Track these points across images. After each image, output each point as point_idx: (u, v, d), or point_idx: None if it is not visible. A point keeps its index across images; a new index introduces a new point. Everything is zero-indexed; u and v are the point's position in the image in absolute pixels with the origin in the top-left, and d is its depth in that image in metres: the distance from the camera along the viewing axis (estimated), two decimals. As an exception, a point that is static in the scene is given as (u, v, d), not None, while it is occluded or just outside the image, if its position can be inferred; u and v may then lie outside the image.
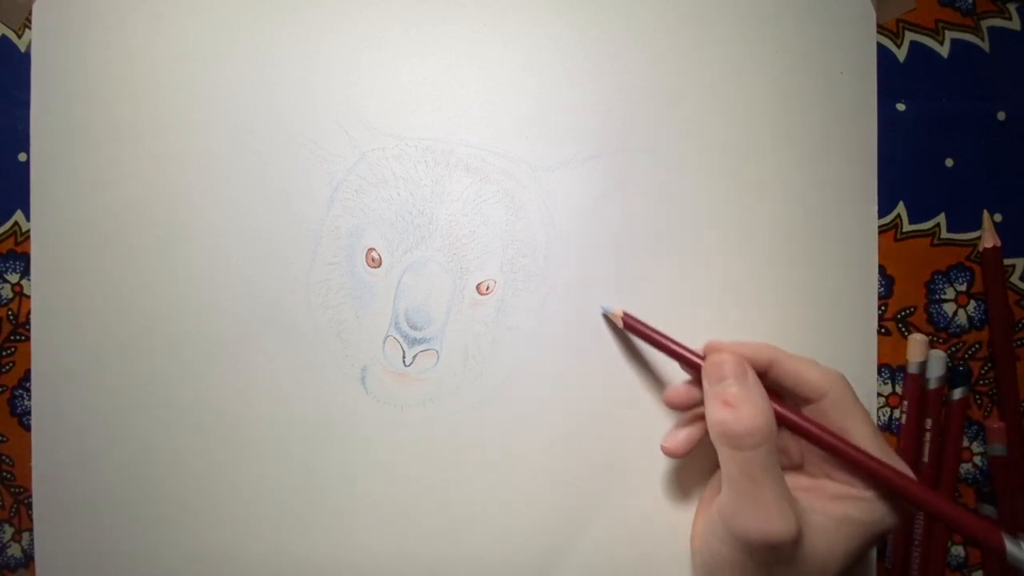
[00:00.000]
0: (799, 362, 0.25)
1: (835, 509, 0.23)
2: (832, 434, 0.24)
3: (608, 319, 0.29)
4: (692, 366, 0.26)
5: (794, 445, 0.26)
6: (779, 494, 0.22)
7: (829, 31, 0.31)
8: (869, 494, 0.23)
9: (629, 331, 0.28)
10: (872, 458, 0.23)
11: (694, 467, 0.30)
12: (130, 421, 0.29)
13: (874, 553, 0.31)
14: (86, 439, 0.29)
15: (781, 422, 0.24)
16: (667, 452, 0.28)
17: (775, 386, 0.25)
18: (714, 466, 0.27)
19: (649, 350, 0.29)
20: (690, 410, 0.28)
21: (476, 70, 0.30)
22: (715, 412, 0.24)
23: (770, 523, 0.22)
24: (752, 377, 0.24)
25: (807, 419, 0.24)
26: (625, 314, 0.28)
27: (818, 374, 0.25)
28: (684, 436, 0.27)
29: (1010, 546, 0.21)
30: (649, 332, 0.28)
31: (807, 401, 0.25)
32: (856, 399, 0.24)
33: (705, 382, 0.25)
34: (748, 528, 0.22)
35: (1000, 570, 0.32)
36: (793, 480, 0.25)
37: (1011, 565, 0.21)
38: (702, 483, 0.29)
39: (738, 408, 0.23)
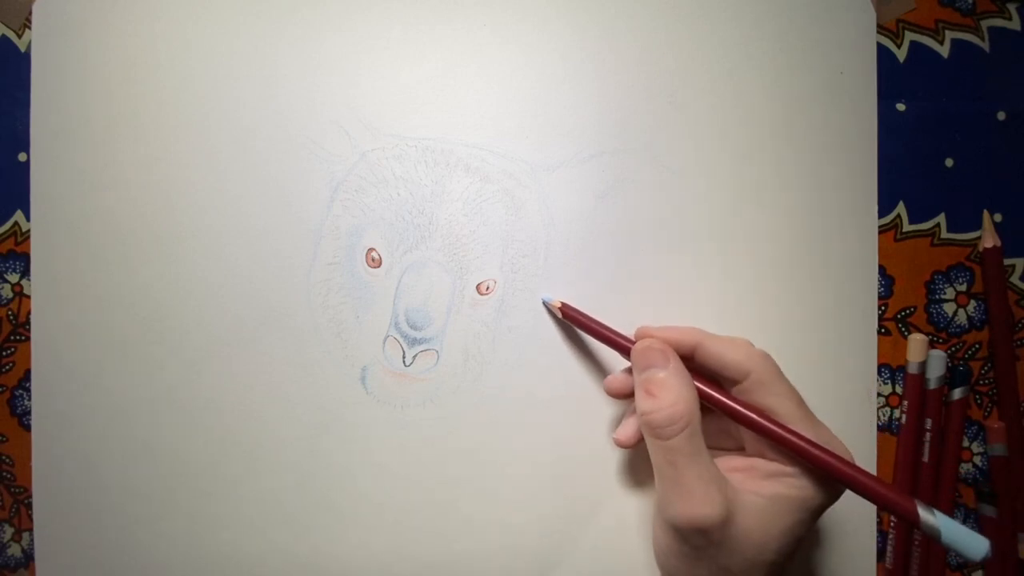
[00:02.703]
0: (722, 343, 0.25)
1: (767, 488, 0.23)
2: (755, 412, 0.24)
3: (549, 309, 0.29)
4: (626, 353, 0.26)
5: (735, 426, 0.26)
6: (704, 478, 0.22)
7: (829, 31, 0.31)
8: (795, 469, 0.23)
9: (568, 320, 0.29)
10: (793, 433, 0.23)
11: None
12: (130, 421, 0.29)
13: (874, 553, 0.31)
14: (86, 439, 0.29)
15: (709, 403, 0.24)
16: (619, 443, 0.27)
17: (702, 369, 0.25)
18: None
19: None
20: (630, 398, 0.27)
21: (476, 70, 0.30)
22: (640, 402, 0.24)
23: (694, 508, 0.22)
24: (675, 364, 0.24)
25: (731, 399, 0.24)
26: (563, 304, 0.29)
27: (740, 354, 0.24)
28: (633, 425, 0.27)
29: (924, 514, 0.21)
30: (585, 320, 0.28)
31: (734, 382, 0.25)
32: (780, 377, 0.24)
33: (633, 370, 0.25)
34: (675, 514, 0.23)
35: (1000, 570, 0.32)
36: (729, 461, 0.25)
37: (926, 534, 0.21)
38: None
39: (659, 397, 0.24)
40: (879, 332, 0.32)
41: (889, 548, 0.32)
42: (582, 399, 0.30)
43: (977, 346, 0.33)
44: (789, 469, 0.23)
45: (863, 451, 0.31)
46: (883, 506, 0.22)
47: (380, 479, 0.30)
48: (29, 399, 0.30)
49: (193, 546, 0.30)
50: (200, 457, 0.30)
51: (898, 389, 0.32)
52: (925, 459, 0.32)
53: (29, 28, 0.30)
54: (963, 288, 0.33)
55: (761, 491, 0.23)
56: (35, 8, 0.30)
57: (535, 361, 0.30)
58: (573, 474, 0.30)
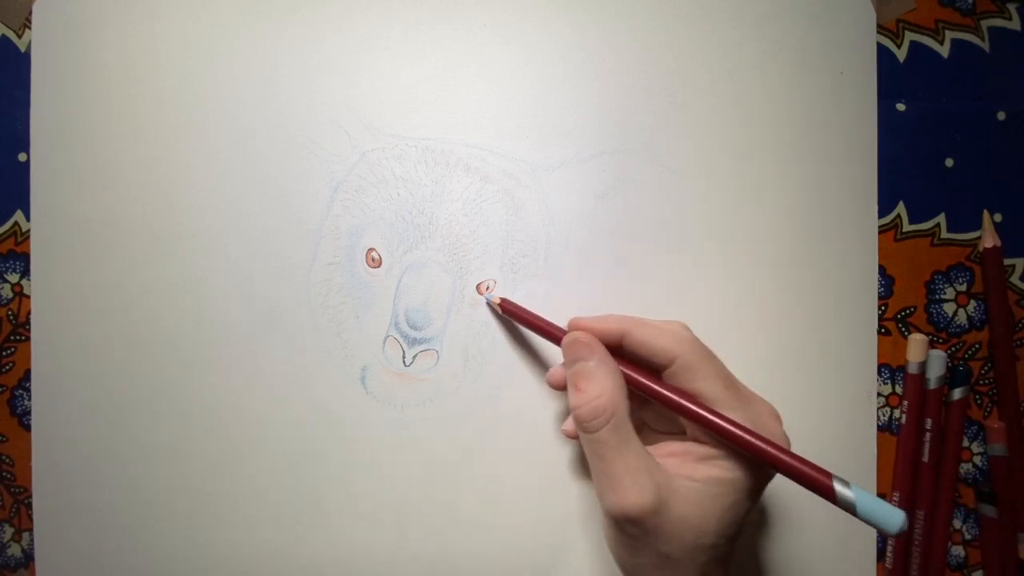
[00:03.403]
0: (647, 330, 0.25)
1: (702, 471, 0.23)
2: (681, 396, 0.24)
3: (491, 307, 0.30)
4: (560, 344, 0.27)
5: None
6: (631, 468, 0.22)
7: (829, 31, 0.31)
8: (722, 451, 0.23)
9: (508, 315, 0.29)
10: (715, 414, 0.23)
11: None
12: (130, 421, 0.29)
13: (874, 553, 0.31)
14: (86, 439, 0.29)
15: (638, 391, 0.24)
16: (567, 435, 0.28)
17: (632, 357, 0.25)
18: None
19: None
20: None
21: (476, 70, 0.30)
22: (569, 396, 0.24)
23: (624, 497, 0.22)
24: (599, 355, 0.24)
25: (660, 384, 0.24)
26: (503, 300, 0.29)
27: (664, 340, 0.24)
28: None
29: (839, 488, 0.21)
30: (523, 314, 0.28)
31: (662, 367, 0.25)
32: (707, 360, 0.24)
33: (564, 364, 0.26)
34: (608, 505, 0.23)
35: (1000, 570, 0.32)
36: (668, 446, 0.25)
37: (842, 507, 0.21)
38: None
39: (584, 391, 0.24)
40: (879, 332, 0.32)
41: (889, 548, 0.32)
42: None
43: (977, 346, 0.33)
44: (718, 451, 0.23)
45: (863, 451, 0.31)
46: (799, 480, 0.22)
47: (380, 479, 0.30)
48: (29, 399, 0.30)
49: (193, 546, 0.30)
50: (200, 457, 0.30)
51: (898, 389, 0.32)
52: (925, 459, 0.32)
53: (29, 28, 0.30)
54: (963, 288, 0.33)
55: (695, 475, 0.23)
56: (35, 8, 0.30)
57: (534, 361, 0.30)
58: (572, 474, 0.30)
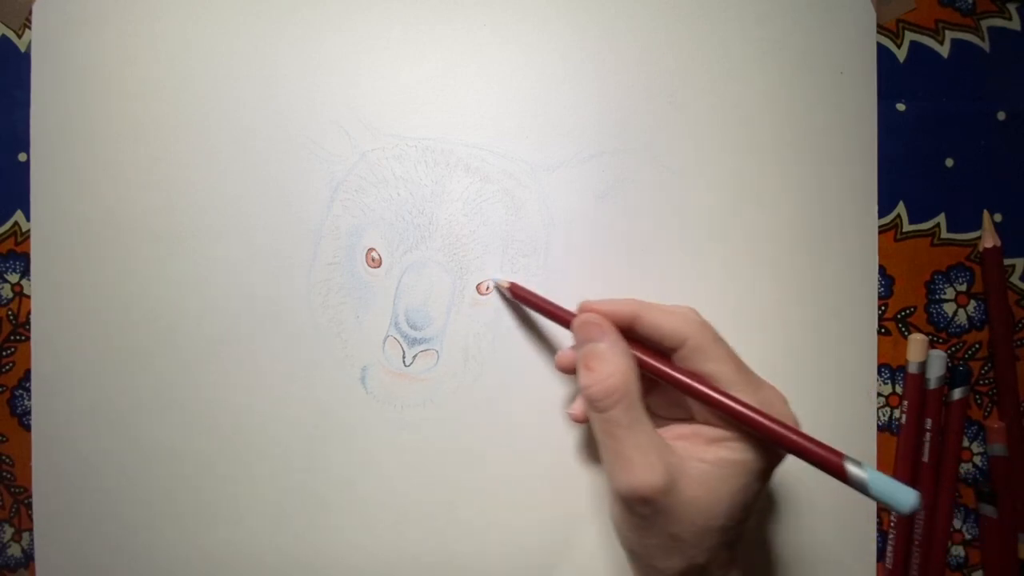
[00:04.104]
0: (658, 312, 0.25)
1: (711, 453, 0.23)
2: (692, 377, 0.24)
3: (500, 292, 0.30)
4: (569, 327, 0.27)
5: (684, 395, 0.26)
6: (643, 447, 0.22)
7: (829, 31, 0.31)
8: (733, 433, 0.23)
9: (518, 300, 0.29)
10: (727, 396, 0.23)
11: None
12: (130, 421, 0.29)
13: (874, 553, 0.31)
14: (86, 439, 0.29)
15: (648, 373, 0.24)
16: (573, 418, 0.27)
17: (643, 339, 0.25)
18: None
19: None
20: None
21: (476, 70, 0.30)
22: (580, 376, 0.24)
23: (635, 477, 0.22)
24: (611, 336, 0.24)
25: (670, 366, 0.24)
26: (512, 284, 0.29)
27: (675, 322, 0.24)
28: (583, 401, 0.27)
29: (851, 467, 0.21)
30: (532, 298, 0.28)
31: (672, 350, 0.25)
32: (717, 342, 0.24)
33: (575, 345, 0.26)
34: (618, 485, 0.23)
35: (1000, 570, 0.32)
36: (676, 429, 0.25)
37: (854, 487, 0.21)
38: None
39: (596, 370, 0.24)
40: (879, 332, 0.32)
41: (889, 548, 0.32)
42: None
43: (977, 346, 0.33)
44: (728, 433, 0.23)
45: (863, 451, 0.31)
46: (810, 460, 0.22)
47: (380, 479, 0.30)
48: (29, 399, 0.30)
49: (192, 546, 0.30)
50: (200, 457, 0.30)
51: (898, 389, 0.32)
52: (925, 459, 0.32)
53: (29, 28, 0.30)
54: (963, 288, 0.33)
55: (705, 457, 0.23)
56: (35, 8, 0.30)
57: (535, 361, 0.30)
58: (573, 474, 0.30)
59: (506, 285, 0.29)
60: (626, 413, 0.23)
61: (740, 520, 0.23)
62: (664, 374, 0.24)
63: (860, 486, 0.21)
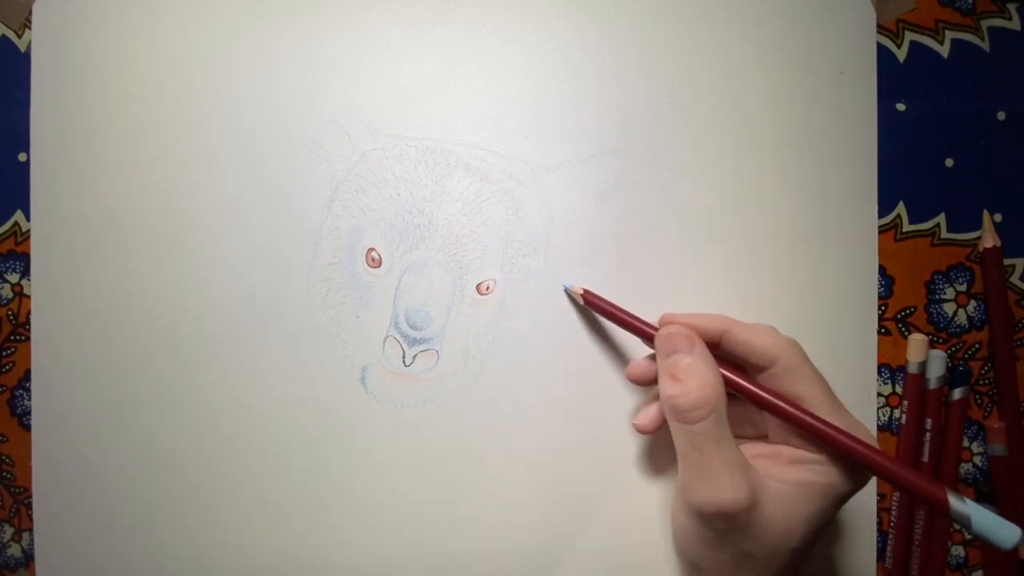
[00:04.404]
0: (749, 330, 0.25)
1: (792, 474, 0.23)
2: (780, 398, 0.24)
3: (570, 296, 0.30)
4: (649, 339, 0.27)
5: (758, 414, 0.26)
6: (729, 463, 0.22)
7: (829, 31, 0.31)
8: (821, 457, 0.23)
9: (589, 307, 0.29)
10: (819, 420, 0.23)
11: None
12: (130, 421, 0.29)
13: (874, 553, 0.31)
14: (86, 439, 0.29)
15: (734, 390, 0.24)
16: (638, 429, 0.27)
17: (729, 356, 0.25)
18: None
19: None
20: (654, 384, 0.27)
21: (476, 70, 0.30)
22: (665, 386, 0.24)
23: (720, 492, 0.22)
24: (700, 349, 0.24)
25: (757, 385, 0.24)
26: (585, 291, 0.29)
27: (767, 341, 0.24)
28: (654, 411, 0.27)
29: (954, 502, 0.21)
30: (607, 307, 0.28)
31: (760, 369, 0.25)
32: (807, 363, 0.24)
33: (657, 356, 0.25)
34: (700, 499, 0.23)
35: (1000, 570, 0.32)
36: (753, 448, 0.25)
37: (955, 521, 0.21)
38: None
39: (685, 382, 0.23)
40: (879, 332, 0.32)
41: (889, 548, 0.32)
42: (582, 399, 0.30)
43: (977, 346, 0.33)
44: (815, 456, 0.23)
45: (863, 451, 0.31)
46: (912, 494, 0.22)
47: (380, 479, 0.30)
48: (29, 399, 0.30)
49: (192, 546, 0.30)
50: (200, 457, 0.30)
51: (898, 389, 0.32)
52: (925, 459, 0.32)
53: (29, 28, 0.30)
54: (963, 288, 0.33)
55: (785, 477, 0.23)
56: (35, 8, 0.30)
57: (535, 361, 0.30)
58: (573, 474, 0.30)
59: (579, 292, 0.29)
60: (715, 427, 0.23)
61: (811, 542, 0.23)
62: (753, 394, 0.24)
63: (963, 521, 0.21)
